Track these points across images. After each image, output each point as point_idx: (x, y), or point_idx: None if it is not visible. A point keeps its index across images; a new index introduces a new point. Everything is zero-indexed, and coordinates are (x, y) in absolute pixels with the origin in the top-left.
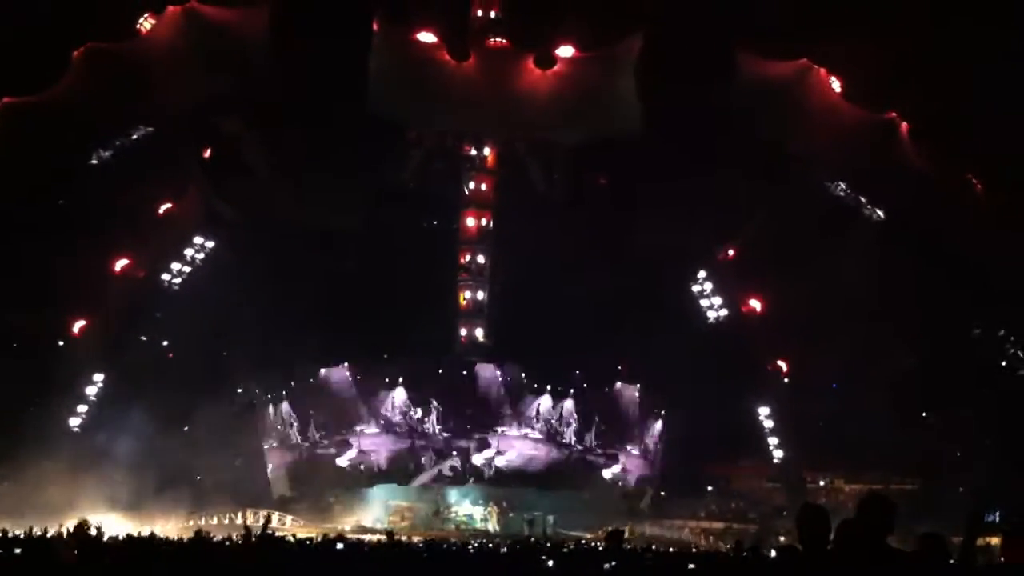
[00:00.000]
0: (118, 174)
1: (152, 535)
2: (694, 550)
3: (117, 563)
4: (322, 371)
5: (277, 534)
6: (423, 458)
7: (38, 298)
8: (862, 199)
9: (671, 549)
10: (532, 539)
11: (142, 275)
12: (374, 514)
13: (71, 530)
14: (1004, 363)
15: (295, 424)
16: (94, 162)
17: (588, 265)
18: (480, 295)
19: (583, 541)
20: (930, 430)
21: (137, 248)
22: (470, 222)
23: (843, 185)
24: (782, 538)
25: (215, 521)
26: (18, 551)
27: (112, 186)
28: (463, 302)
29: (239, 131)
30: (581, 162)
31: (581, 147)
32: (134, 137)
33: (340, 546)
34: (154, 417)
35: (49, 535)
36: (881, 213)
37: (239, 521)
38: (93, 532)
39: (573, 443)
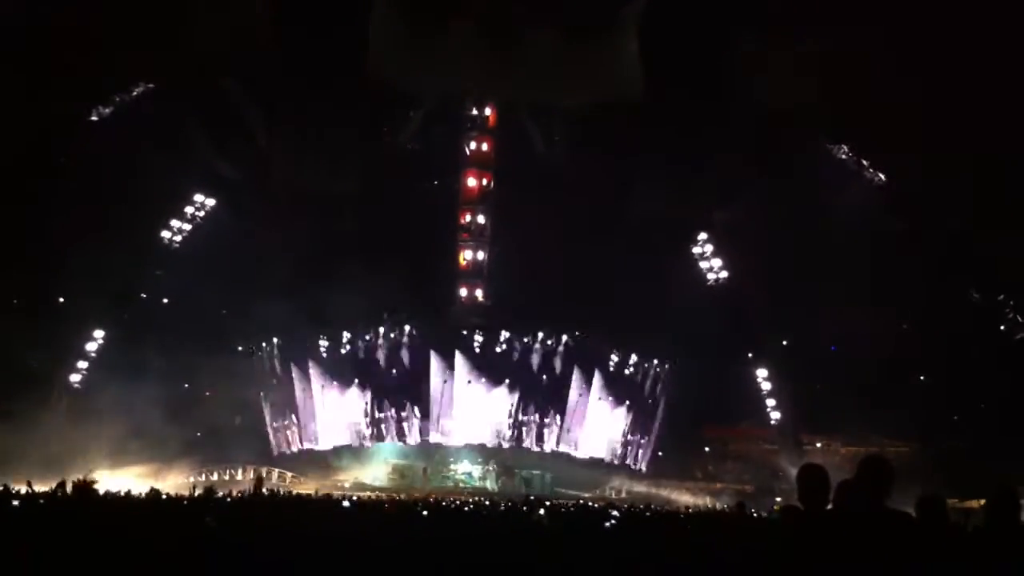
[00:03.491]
0: (117, 131)
1: (156, 491)
2: (690, 510)
3: (120, 519)
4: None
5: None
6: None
7: (37, 255)
8: (864, 162)
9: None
10: (531, 497)
11: (142, 232)
12: (373, 472)
13: (75, 483)
14: (1002, 327)
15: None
16: (94, 119)
17: (589, 226)
18: (480, 255)
19: (581, 500)
20: (927, 394)
21: (137, 205)
22: (471, 182)
23: (845, 148)
24: (778, 499)
25: (215, 477)
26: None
27: (111, 143)
28: (463, 262)
29: (239, 91)
30: (582, 124)
31: (582, 109)
32: (134, 94)
33: (346, 504)
34: (154, 374)
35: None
36: (882, 176)
37: (239, 477)
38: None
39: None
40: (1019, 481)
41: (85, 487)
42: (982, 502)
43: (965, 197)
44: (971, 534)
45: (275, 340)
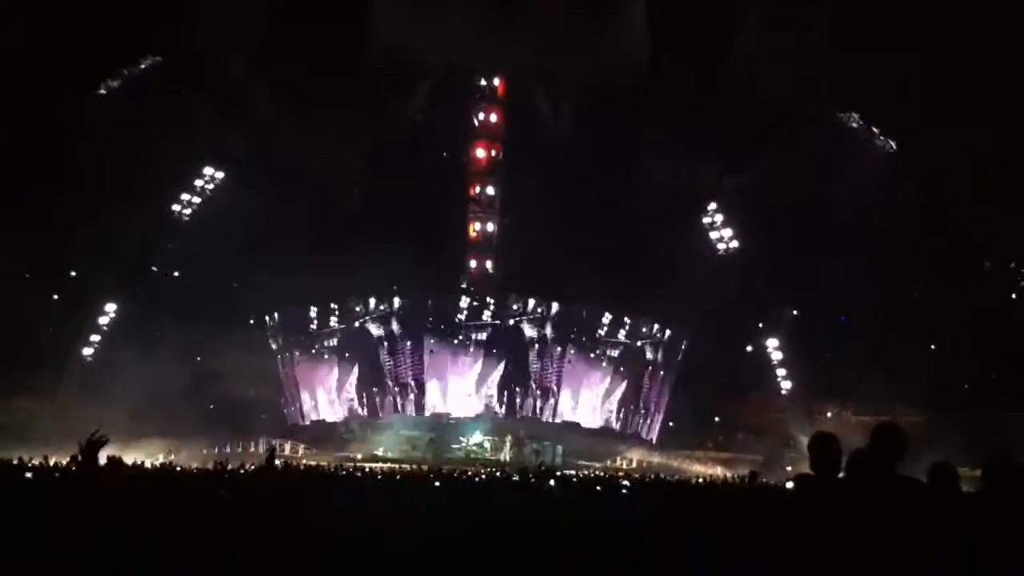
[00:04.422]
0: (126, 104)
1: (170, 463)
2: (701, 480)
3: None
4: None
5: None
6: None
7: (49, 229)
8: (874, 130)
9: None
10: (542, 467)
11: (153, 206)
12: (385, 444)
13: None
14: (1014, 295)
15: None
16: (103, 92)
17: (599, 196)
18: (490, 227)
19: (592, 471)
20: (938, 362)
21: (147, 179)
22: (480, 154)
23: (856, 116)
24: (789, 468)
25: (228, 450)
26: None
27: (120, 116)
28: (473, 234)
29: (247, 64)
30: (591, 94)
31: (591, 79)
32: (142, 67)
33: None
34: (166, 347)
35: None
36: (893, 144)
37: (252, 450)
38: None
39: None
40: None
41: (94, 446)
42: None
43: (977, 166)
44: (972, 503)
45: (276, 315)
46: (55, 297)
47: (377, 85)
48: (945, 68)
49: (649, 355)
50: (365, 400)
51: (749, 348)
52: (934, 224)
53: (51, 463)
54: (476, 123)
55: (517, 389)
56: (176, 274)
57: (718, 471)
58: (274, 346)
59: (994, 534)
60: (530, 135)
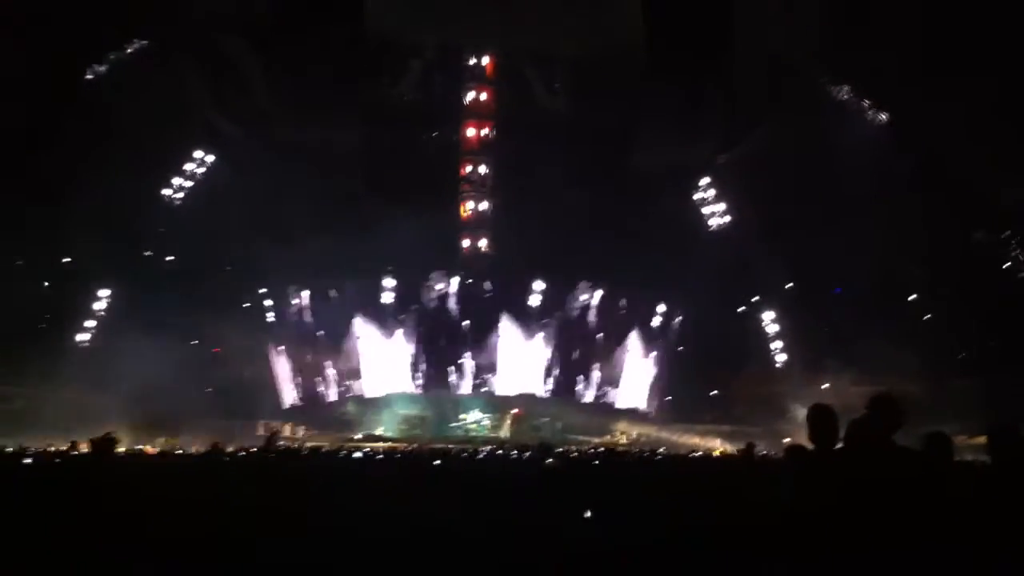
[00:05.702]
0: (115, 89)
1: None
2: (699, 453)
3: (134, 476)
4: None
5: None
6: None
7: (39, 216)
8: (866, 102)
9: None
10: (541, 444)
11: (143, 190)
12: (384, 423)
13: (94, 442)
14: (1007, 265)
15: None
16: (90, 77)
17: (591, 172)
18: (483, 206)
19: (591, 447)
20: (935, 331)
21: (136, 163)
22: (470, 133)
23: (847, 88)
24: (786, 440)
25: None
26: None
27: (109, 101)
28: (466, 213)
29: (237, 44)
30: (582, 70)
31: (582, 55)
32: (130, 52)
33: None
34: (161, 332)
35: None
36: (884, 116)
37: (256, 433)
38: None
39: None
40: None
41: (105, 442)
42: (980, 439)
43: (969, 133)
44: (975, 471)
45: (271, 297)
46: (46, 284)
47: (365, 65)
48: (940, 27)
49: (645, 329)
50: (361, 380)
51: (745, 321)
52: (930, 192)
53: (52, 450)
54: (466, 102)
55: (514, 366)
56: (170, 258)
57: (717, 444)
58: (270, 328)
59: (1003, 510)
60: (523, 112)
